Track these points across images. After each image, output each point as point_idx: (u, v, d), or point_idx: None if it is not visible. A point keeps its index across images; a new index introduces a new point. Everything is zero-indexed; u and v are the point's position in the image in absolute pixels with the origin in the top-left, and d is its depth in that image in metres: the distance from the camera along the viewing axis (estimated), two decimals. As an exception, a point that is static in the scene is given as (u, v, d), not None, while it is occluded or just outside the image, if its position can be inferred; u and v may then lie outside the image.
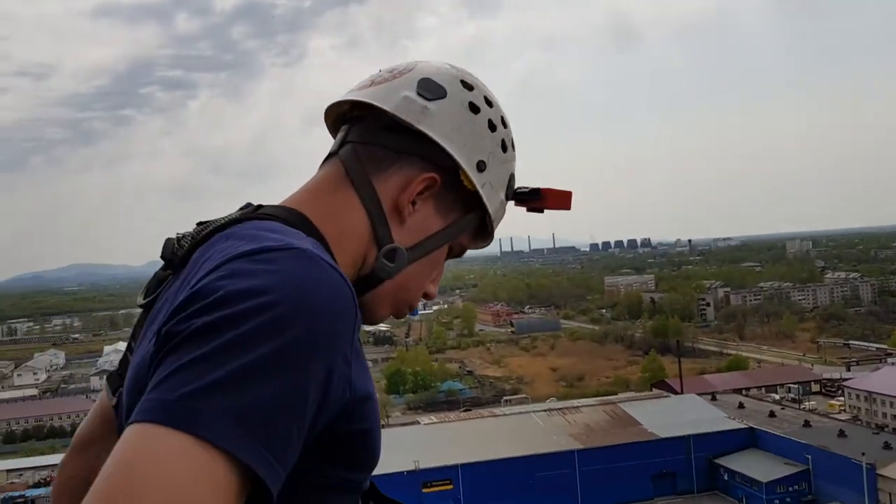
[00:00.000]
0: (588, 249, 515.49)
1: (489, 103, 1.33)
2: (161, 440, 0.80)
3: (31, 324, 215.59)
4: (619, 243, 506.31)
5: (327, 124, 1.40)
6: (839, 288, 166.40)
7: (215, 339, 0.87)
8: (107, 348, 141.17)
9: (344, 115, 1.35)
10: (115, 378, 1.23)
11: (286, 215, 1.16)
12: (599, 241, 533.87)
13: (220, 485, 0.80)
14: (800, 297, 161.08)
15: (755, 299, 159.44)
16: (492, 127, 1.32)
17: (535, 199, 1.40)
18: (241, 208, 1.23)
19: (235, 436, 0.82)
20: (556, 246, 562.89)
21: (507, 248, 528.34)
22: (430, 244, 1.28)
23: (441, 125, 1.26)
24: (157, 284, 1.21)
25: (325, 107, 1.37)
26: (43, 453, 75.07)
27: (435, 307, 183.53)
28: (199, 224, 1.20)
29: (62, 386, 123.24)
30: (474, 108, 1.30)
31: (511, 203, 1.42)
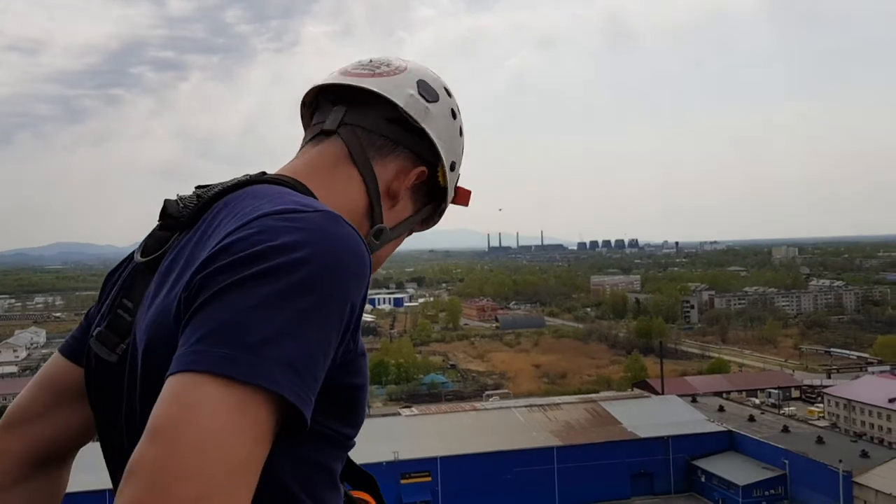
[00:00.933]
0: (575, 248, 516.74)
1: (459, 112, 1.51)
2: (217, 389, 0.87)
3: (13, 301, 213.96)
4: (606, 243, 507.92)
5: (305, 100, 1.50)
6: (823, 295, 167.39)
7: (259, 291, 0.93)
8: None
9: (329, 96, 1.44)
10: (109, 336, 1.22)
11: (294, 184, 1.24)
12: (587, 240, 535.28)
13: (264, 429, 0.90)
14: (784, 303, 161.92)
15: (739, 303, 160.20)
16: (461, 133, 1.50)
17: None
18: (243, 177, 1.30)
19: (288, 381, 0.90)
20: (544, 243, 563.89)
21: (494, 243, 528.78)
22: (403, 228, 1.44)
23: (436, 126, 1.42)
24: (158, 243, 1.24)
25: (318, 84, 1.45)
26: (20, 431, 74.87)
27: (421, 300, 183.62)
28: (198, 187, 1.28)
29: (42, 364, 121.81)
30: (454, 115, 1.48)
31: None
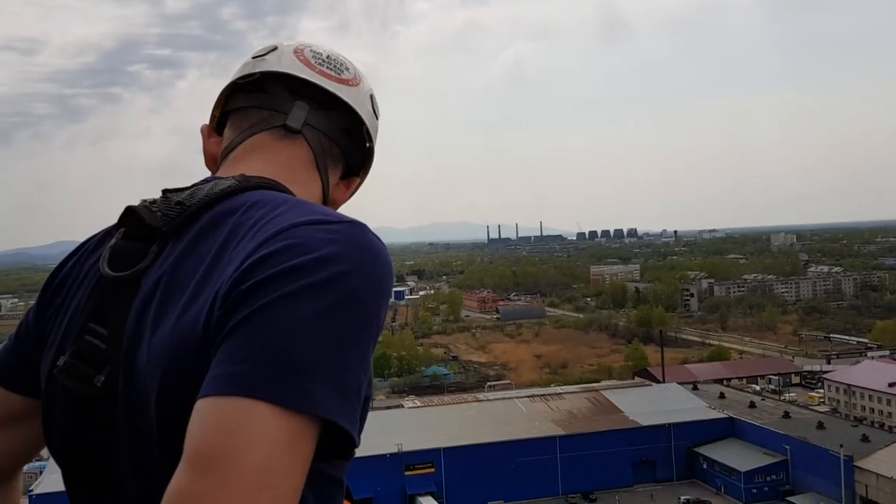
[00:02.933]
0: (575, 238, 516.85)
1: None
2: (270, 418, 0.83)
3: (16, 300, 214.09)
4: (605, 233, 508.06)
5: (249, 73, 1.38)
6: (822, 282, 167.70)
7: (307, 308, 0.89)
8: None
9: (285, 83, 1.35)
10: (79, 367, 1.07)
11: (283, 189, 1.20)
12: (586, 231, 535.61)
13: (308, 456, 0.87)
14: (783, 290, 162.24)
15: (739, 291, 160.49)
16: None
17: None
18: (211, 178, 1.22)
19: (339, 408, 0.88)
20: (544, 234, 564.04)
21: (494, 235, 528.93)
22: None
23: (372, 139, 1.43)
24: (131, 256, 1.10)
25: (277, 69, 1.36)
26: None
27: (422, 292, 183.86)
28: (167, 191, 1.16)
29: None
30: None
31: None
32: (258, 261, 0.94)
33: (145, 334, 1.03)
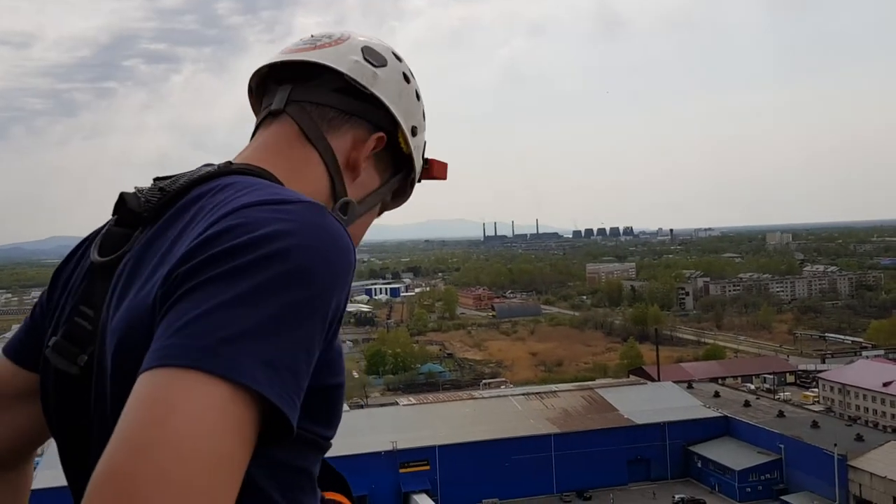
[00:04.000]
0: (571, 236, 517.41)
1: (413, 75, 1.44)
2: (198, 384, 0.80)
3: (10, 295, 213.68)
4: (601, 231, 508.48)
5: (251, 86, 1.43)
6: (817, 281, 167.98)
7: (242, 284, 0.88)
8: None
9: (272, 76, 1.38)
10: (66, 347, 1.12)
11: (262, 173, 1.18)
12: (582, 228, 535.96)
13: (245, 430, 0.83)
14: (778, 289, 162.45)
15: (734, 290, 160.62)
16: (418, 97, 1.44)
17: (425, 168, 1.52)
18: (204, 166, 1.24)
19: (268, 380, 0.84)
20: (540, 232, 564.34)
21: (490, 232, 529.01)
22: (373, 200, 1.38)
23: (387, 90, 1.36)
24: (117, 241, 1.15)
25: (259, 66, 1.40)
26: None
27: (417, 290, 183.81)
28: (157, 179, 1.20)
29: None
30: (406, 78, 1.41)
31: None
32: (201, 242, 0.94)
33: (111, 315, 1.05)
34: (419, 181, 1.53)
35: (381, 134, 1.34)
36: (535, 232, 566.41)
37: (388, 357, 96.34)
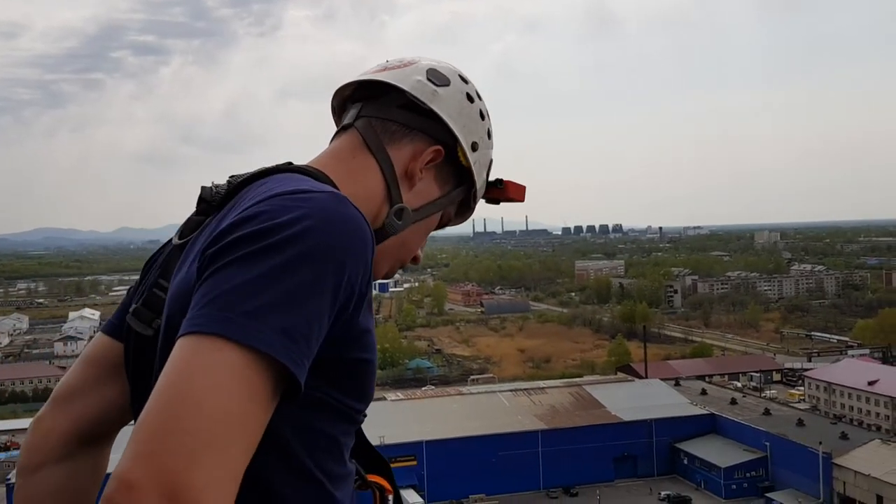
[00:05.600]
0: (560, 233, 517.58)
1: (479, 97, 1.54)
2: (220, 349, 0.93)
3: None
4: (590, 228, 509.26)
5: (333, 105, 1.58)
6: (804, 280, 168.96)
7: (262, 264, 1.01)
8: (72, 314, 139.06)
9: (351, 96, 1.53)
10: (144, 312, 1.30)
11: (315, 172, 1.32)
12: (572, 226, 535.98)
13: (262, 390, 0.96)
14: (766, 288, 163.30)
15: (722, 288, 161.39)
16: (482, 116, 1.54)
17: (499, 188, 1.62)
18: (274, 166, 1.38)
19: (283, 346, 0.96)
20: (529, 228, 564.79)
21: (479, 228, 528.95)
22: (430, 209, 1.48)
23: (447, 107, 1.46)
24: (193, 227, 1.32)
25: (336, 87, 1.55)
26: (4, 418, 74.11)
27: (406, 285, 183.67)
28: (231, 177, 1.37)
29: (25, 350, 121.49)
30: (470, 98, 1.51)
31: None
32: (230, 226, 1.07)
33: (172, 288, 1.23)
34: (493, 201, 1.64)
35: (439, 147, 1.45)
36: (524, 228, 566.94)
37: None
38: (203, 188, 1.35)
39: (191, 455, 0.85)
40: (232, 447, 0.90)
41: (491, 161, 1.59)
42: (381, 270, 1.49)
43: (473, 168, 1.51)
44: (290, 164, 1.37)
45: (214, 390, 0.90)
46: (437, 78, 1.48)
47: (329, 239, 1.05)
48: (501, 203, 1.65)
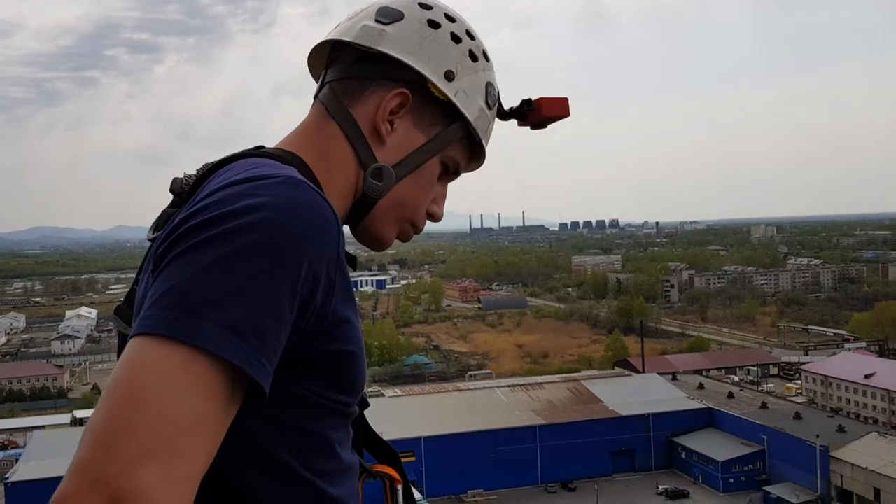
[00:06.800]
0: (557, 229, 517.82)
1: (451, 19, 1.36)
2: (160, 349, 0.89)
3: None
4: (587, 223, 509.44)
5: (314, 76, 1.44)
6: (801, 274, 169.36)
7: (207, 256, 0.95)
8: (69, 313, 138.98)
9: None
10: (125, 310, 1.25)
11: (282, 154, 1.22)
12: (568, 221, 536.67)
13: (213, 389, 0.91)
14: (762, 282, 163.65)
15: (719, 282, 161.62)
16: (455, 39, 1.34)
17: (530, 110, 1.42)
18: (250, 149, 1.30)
19: (229, 343, 0.91)
20: (526, 224, 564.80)
21: (476, 224, 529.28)
22: (416, 158, 1.31)
23: (401, 44, 1.29)
24: (165, 220, 1.23)
25: (306, 57, 1.43)
26: (1, 417, 74.05)
27: (403, 282, 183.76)
28: (204, 165, 1.28)
29: (22, 349, 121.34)
30: (434, 24, 1.32)
31: (503, 119, 1.44)
32: (182, 219, 1.02)
33: (139, 286, 1.19)
34: (537, 126, 1.46)
35: (399, 90, 1.28)
36: (521, 224, 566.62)
37: (373, 349, 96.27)
38: (174, 179, 1.28)
39: (136, 458, 0.82)
40: (183, 447, 0.86)
41: (489, 84, 1.38)
42: (387, 237, 1.35)
43: (455, 99, 1.32)
44: (261, 146, 1.28)
45: (161, 390, 0.87)
46: (385, 16, 1.31)
47: (283, 227, 0.98)
48: (547, 126, 1.46)
